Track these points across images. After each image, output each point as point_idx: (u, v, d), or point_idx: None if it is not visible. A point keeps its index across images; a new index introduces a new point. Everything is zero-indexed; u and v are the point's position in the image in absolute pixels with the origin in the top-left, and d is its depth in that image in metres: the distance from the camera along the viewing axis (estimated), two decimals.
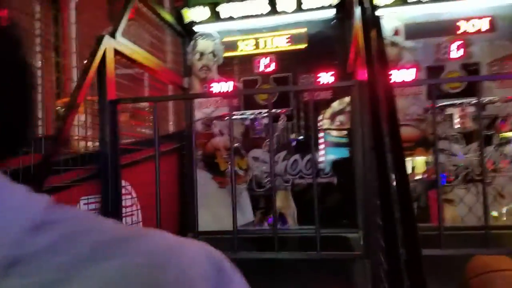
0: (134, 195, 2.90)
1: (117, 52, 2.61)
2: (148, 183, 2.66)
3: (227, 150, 3.74)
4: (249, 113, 3.58)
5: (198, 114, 3.94)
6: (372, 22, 2.29)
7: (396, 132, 1.84)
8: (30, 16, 3.88)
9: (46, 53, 4.24)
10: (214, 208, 3.85)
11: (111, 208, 2.42)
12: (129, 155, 2.90)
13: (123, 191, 2.75)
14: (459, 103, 3.28)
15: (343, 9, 3.64)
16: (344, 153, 3.75)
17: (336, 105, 3.78)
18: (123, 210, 2.70)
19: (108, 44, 2.44)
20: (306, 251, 2.70)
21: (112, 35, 2.53)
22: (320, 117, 3.79)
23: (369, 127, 2.02)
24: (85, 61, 2.48)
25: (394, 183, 1.75)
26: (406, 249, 1.60)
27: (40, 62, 3.96)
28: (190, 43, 3.95)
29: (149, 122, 3.68)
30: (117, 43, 2.56)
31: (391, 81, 2.03)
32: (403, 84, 3.38)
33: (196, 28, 3.89)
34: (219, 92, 3.58)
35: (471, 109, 3.47)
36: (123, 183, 2.75)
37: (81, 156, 2.28)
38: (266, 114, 3.64)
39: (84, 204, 2.31)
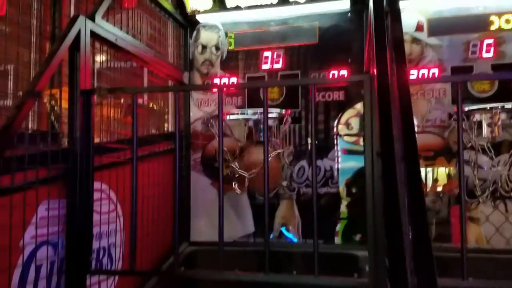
0: (114, 200, 2.58)
1: (97, 37, 2.32)
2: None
3: (230, 153, 3.41)
4: (251, 112, 3.23)
5: (199, 113, 3.63)
6: (388, 6, 1.93)
7: (411, 136, 1.48)
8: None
9: (42, 42, 3.99)
10: (212, 216, 3.52)
11: (78, 214, 2.11)
12: (111, 155, 2.60)
13: (101, 195, 2.44)
14: (490, 108, 2.87)
15: (360, 0, 3.28)
16: (358, 161, 3.37)
17: (350, 113, 3.40)
18: (99, 217, 2.39)
19: (83, 26, 2.15)
20: (309, 270, 2.34)
21: (91, 17, 2.23)
22: (335, 122, 3.42)
23: (378, 130, 1.68)
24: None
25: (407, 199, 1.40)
26: (418, 279, 1.24)
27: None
28: (192, 35, 3.65)
29: (143, 119, 3.37)
30: (96, 26, 2.26)
31: (407, 76, 1.67)
32: (422, 80, 3.00)
33: (199, 18, 3.58)
34: (215, 84, 3.23)
35: (502, 117, 3.04)
36: (101, 186, 2.44)
37: (43, 153, 1.97)
38: (271, 115, 3.29)
39: (45, 209, 2.00)
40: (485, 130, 3.00)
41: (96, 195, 2.34)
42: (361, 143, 3.38)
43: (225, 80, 3.52)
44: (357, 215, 3.35)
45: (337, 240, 3.35)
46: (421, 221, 1.30)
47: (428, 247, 1.27)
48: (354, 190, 3.36)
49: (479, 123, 3.05)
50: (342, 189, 3.37)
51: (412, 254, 1.29)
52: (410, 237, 1.34)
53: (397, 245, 1.22)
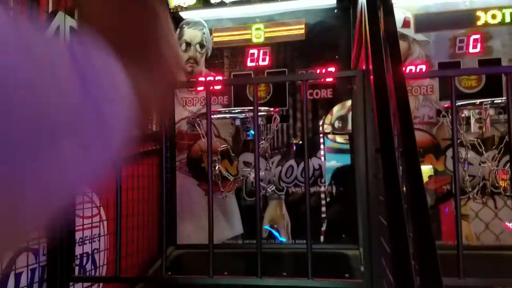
0: (97, 203, 2.48)
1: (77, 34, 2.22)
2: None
3: (216, 154, 3.33)
4: (238, 110, 3.16)
5: (184, 112, 3.54)
6: (380, 0, 1.88)
7: (409, 131, 1.43)
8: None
9: None
10: (199, 218, 3.44)
11: (60, 219, 2.01)
12: None
13: (83, 198, 2.34)
14: (480, 103, 2.85)
15: None
16: (345, 160, 3.34)
17: (336, 111, 3.36)
18: (81, 221, 2.29)
19: (62, 22, 2.05)
20: (300, 272, 2.28)
21: (70, 13, 2.13)
22: (320, 122, 3.38)
23: (374, 125, 1.63)
24: None
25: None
26: (422, 279, 1.19)
27: None
28: (175, 32, 3.55)
29: None
30: (75, 21, 2.16)
31: (403, 70, 1.62)
32: (414, 75, 2.96)
33: (182, 14, 3.49)
34: (200, 81, 3.14)
35: (490, 112, 3.03)
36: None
37: None
38: (259, 113, 3.22)
39: None
40: (473, 125, 2.99)
41: (78, 199, 2.24)
42: (338, 140, 3.36)
43: (210, 78, 3.44)
44: (338, 214, 3.33)
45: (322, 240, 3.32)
46: (423, 219, 1.25)
47: (431, 245, 1.22)
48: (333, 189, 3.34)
49: (467, 119, 3.04)
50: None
51: (414, 253, 1.24)
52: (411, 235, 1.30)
53: (402, 245, 1.16)
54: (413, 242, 1.25)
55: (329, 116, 3.37)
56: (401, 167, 1.42)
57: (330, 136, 3.36)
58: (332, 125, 3.37)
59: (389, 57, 1.64)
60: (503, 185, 3.02)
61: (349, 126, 3.33)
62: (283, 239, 3.36)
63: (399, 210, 1.21)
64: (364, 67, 2.03)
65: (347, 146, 3.35)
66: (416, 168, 1.34)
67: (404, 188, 1.36)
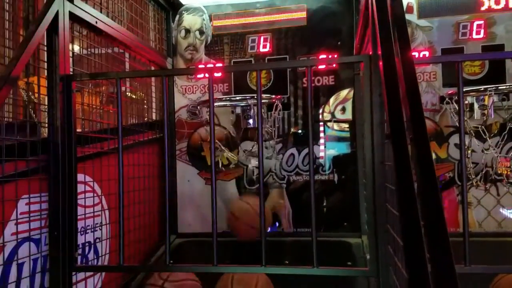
0: (99, 193, 2.45)
1: (76, 20, 2.17)
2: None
3: (217, 142, 3.29)
4: (239, 98, 3.11)
5: (183, 100, 3.50)
6: None
7: (419, 117, 1.39)
8: None
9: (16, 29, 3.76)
10: (200, 207, 3.43)
11: (62, 208, 1.98)
12: (94, 145, 2.46)
13: (85, 188, 2.31)
14: (484, 89, 2.82)
15: None
16: (342, 147, 3.32)
17: (332, 101, 3.33)
18: (84, 210, 2.26)
19: (61, 7, 1.99)
20: (302, 260, 2.25)
21: None
22: (320, 110, 3.35)
23: (383, 111, 1.60)
24: None
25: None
26: (433, 267, 1.17)
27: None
28: (174, 18, 3.49)
29: (126, 107, 3.21)
30: (75, 7, 2.11)
31: (412, 55, 1.58)
32: (420, 60, 2.92)
33: (181, 1, 3.43)
34: (202, 68, 3.08)
35: (492, 99, 2.99)
36: (85, 178, 2.31)
37: (21, 145, 1.82)
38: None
39: (26, 204, 1.87)
40: (476, 112, 2.96)
41: (79, 188, 2.20)
42: (335, 127, 3.34)
43: (210, 65, 3.39)
44: (339, 202, 3.31)
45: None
46: (435, 205, 1.22)
47: (444, 234, 1.20)
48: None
49: (471, 106, 3.01)
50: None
51: (426, 240, 1.22)
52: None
53: (414, 233, 1.14)
54: (425, 230, 1.23)
55: (327, 106, 3.34)
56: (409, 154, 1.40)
57: (329, 124, 3.34)
58: (332, 113, 3.34)
59: (397, 41, 1.60)
60: (505, 172, 3.00)
61: (348, 115, 3.31)
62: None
63: (411, 198, 1.18)
64: (369, 52, 1.99)
65: (345, 134, 3.33)
66: (427, 154, 1.31)
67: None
